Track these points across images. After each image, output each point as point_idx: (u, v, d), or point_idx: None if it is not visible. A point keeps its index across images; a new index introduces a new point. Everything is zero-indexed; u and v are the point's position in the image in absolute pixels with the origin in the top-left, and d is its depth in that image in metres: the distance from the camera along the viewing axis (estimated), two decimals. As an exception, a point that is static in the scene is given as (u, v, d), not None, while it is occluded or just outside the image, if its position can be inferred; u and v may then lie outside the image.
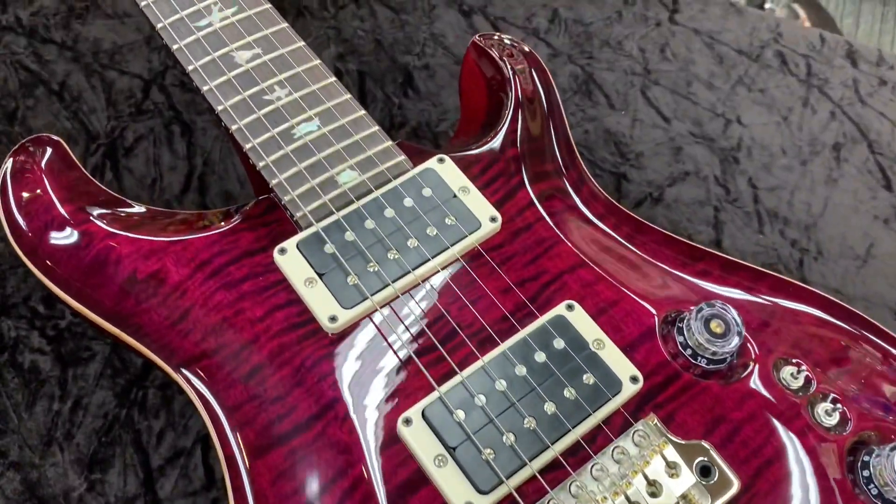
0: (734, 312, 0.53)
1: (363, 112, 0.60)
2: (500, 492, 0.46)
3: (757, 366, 0.53)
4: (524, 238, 0.56)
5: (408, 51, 0.84)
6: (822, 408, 0.52)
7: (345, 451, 0.48)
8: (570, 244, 0.57)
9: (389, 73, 0.82)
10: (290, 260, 0.53)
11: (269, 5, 0.64)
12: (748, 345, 0.54)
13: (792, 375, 0.54)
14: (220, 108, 0.59)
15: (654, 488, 0.47)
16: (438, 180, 0.58)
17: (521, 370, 0.50)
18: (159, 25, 0.62)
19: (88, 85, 0.78)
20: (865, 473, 0.50)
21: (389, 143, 0.59)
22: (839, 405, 0.52)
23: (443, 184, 0.57)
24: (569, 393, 0.49)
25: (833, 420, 0.52)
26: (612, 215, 0.60)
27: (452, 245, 0.55)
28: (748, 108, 0.84)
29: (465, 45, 0.84)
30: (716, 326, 0.53)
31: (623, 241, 0.59)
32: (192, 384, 0.51)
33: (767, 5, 1.92)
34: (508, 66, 0.64)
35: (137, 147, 0.75)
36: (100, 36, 0.81)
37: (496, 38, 0.66)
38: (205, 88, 0.59)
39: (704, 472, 0.49)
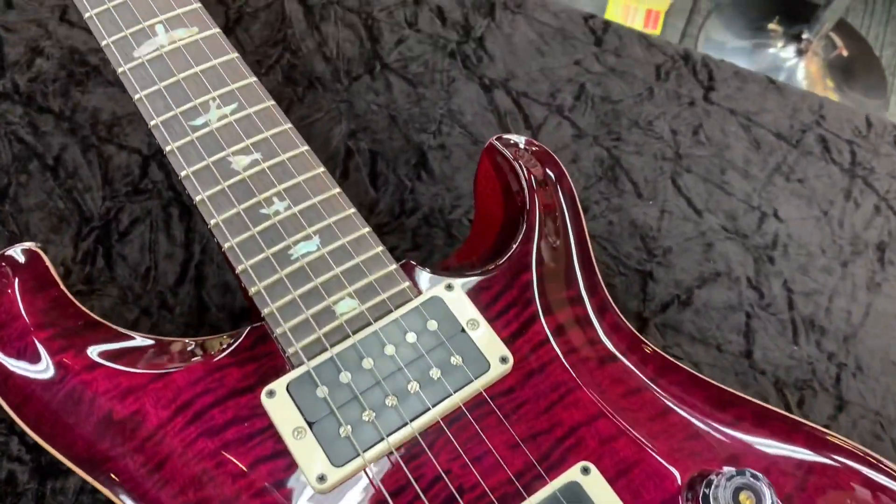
0: (765, 483, 0.48)
1: (367, 229, 0.55)
2: None
3: (790, 542, 0.48)
4: (537, 382, 0.51)
5: (423, 128, 0.79)
6: None
7: None
8: (588, 391, 0.51)
9: (403, 153, 0.77)
10: (279, 405, 0.49)
11: (271, 102, 0.59)
12: (781, 519, 0.49)
13: (829, 554, 0.48)
14: (212, 222, 0.54)
15: None
16: (445, 312, 0.53)
17: (526, 550, 0.45)
18: (152, 123, 0.57)
19: (84, 160, 0.74)
20: None
21: (393, 266, 0.54)
22: None
23: (450, 316, 0.53)
24: (579, 581, 0.44)
25: None
26: (636, 351, 0.55)
27: (456, 392, 0.50)
28: (786, 200, 0.78)
29: (484, 123, 0.79)
30: (745, 499, 0.48)
31: (648, 383, 0.53)
32: (167, 541, 0.47)
33: (804, 36, 1.86)
34: (527, 176, 0.59)
35: (133, 231, 0.71)
36: (99, 105, 0.77)
37: (514, 141, 0.61)
38: (197, 199, 0.55)
39: None
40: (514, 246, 0.56)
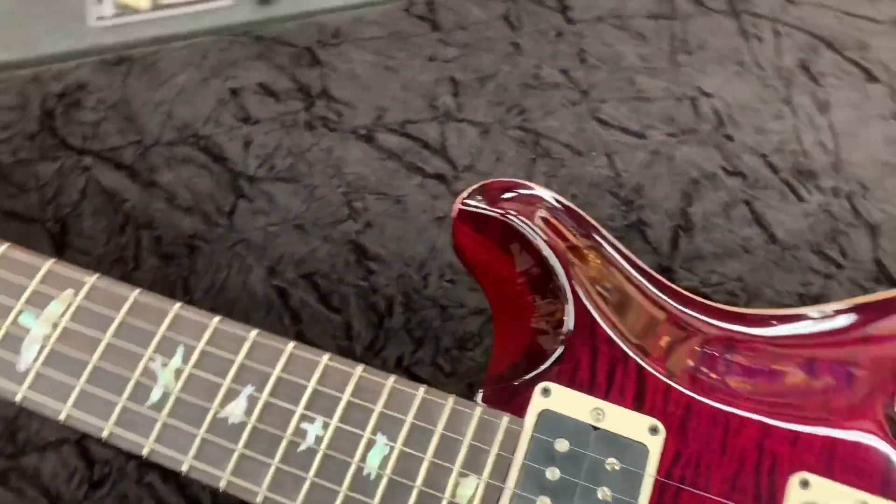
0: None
1: (423, 388, 0.45)
2: None
3: None
4: (695, 427, 0.45)
5: (337, 219, 0.68)
6: None
7: None
8: (744, 402, 0.45)
9: (335, 257, 0.66)
10: None
11: (216, 319, 0.47)
12: None
13: None
14: (259, 501, 0.43)
15: None
16: (564, 420, 0.44)
17: None
18: (104, 435, 0.44)
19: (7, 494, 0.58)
20: None
21: (479, 410, 0.45)
22: None
23: (572, 423, 0.44)
24: None
25: None
26: (738, 319, 0.49)
27: (639, 499, 0.42)
28: (700, 72, 0.74)
29: (390, 174, 0.70)
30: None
31: (775, 350, 0.48)
32: None
33: None
34: (522, 222, 0.50)
35: (123, 532, 0.57)
36: (-19, 420, 0.61)
37: (474, 192, 0.52)
38: (222, 486, 0.43)
39: None
40: (567, 304, 0.48)
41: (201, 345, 0.46)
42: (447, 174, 0.69)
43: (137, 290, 0.48)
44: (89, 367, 0.45)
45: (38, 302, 0.47)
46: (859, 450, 0.44)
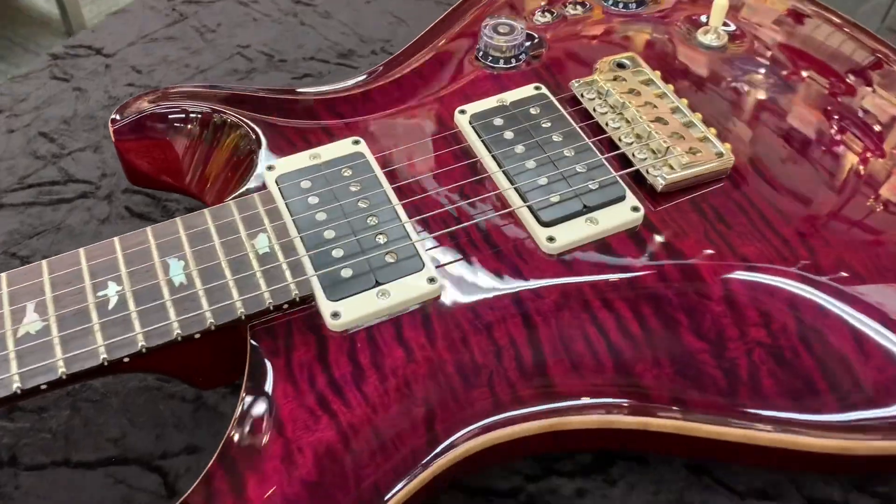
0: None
1: (177, 219, 0.50)
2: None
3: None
4: (378, 132, 0.57)
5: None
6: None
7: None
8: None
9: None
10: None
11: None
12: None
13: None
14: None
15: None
16: (297, 173, 0.54)
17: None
18: None
19: None
20: None
21: (231, 201, 0.51)
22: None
23: (303, 171, 0.55)
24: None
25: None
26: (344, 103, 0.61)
27: (381, 187, 0.53)
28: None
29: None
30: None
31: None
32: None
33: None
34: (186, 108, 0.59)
35: None
36: None
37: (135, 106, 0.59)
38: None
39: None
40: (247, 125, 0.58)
41: None
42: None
43: None
44: None
45: None
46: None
